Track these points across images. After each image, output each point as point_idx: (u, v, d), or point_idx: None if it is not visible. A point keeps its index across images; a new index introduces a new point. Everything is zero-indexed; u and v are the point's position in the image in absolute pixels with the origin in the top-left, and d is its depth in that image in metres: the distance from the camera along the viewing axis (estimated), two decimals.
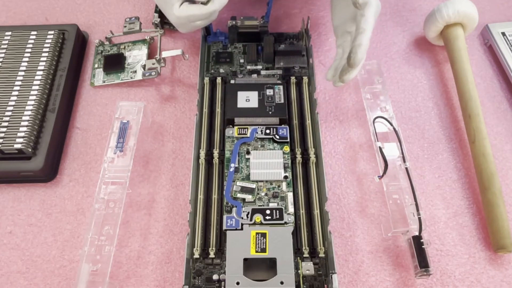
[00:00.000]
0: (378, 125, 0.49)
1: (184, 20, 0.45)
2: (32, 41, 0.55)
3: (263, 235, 0.42)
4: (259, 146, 0.48)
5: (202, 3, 0.43)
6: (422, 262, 0.41)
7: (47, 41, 0.55)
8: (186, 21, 0.45)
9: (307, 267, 0.41)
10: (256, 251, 0.41)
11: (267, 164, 0.46)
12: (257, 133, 0.48)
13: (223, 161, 0.47)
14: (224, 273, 0.41)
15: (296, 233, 0.43)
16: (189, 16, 0.44)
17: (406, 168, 0.46)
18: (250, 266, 0.40)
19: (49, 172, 0.49)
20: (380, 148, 0.47)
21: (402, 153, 0.47)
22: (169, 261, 0.45)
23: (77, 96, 0.56)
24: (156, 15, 0.58)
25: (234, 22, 0.55)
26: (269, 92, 0.51)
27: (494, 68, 0.58)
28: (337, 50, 0.48)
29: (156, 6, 0.59)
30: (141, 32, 0.58)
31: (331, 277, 0.39)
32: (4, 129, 0.48)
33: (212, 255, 0.42)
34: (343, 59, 0.46)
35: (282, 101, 0.50)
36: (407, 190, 0.45)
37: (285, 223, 0.43)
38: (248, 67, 0.55)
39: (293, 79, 0.53)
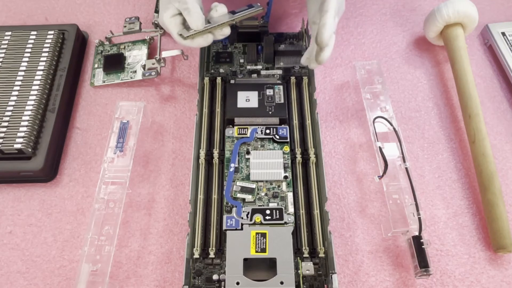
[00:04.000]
0: (378, 125, 0.49)
1: (165, 28, 0.46)
2: (32, 41, 0.55)
3: (263, 235, 0.42)
4: (259, 146, 0.48)
5: (180, 34, 0.44)
6: (422, 262, 0.41)
7: (47, 41, 0.55)
8: (167, 30, 0.46)
9: (307, 267, 0.41)
10: (256, 251, 0.41)
11: (267, 164, 0.46)
12: (257, 133, 0.48)
13: (223, 161, 0.47)
14: (224, 273, 0.41)
15: (296, 233, 0.43)
16: (168, 30, 0.46)
17: (406, 168, 0.46)
18: (250, 266, 0.40)
19: (49, 172, 0.49)
20: (380, 148, 0.47)
21: (402, 153, 0.47)
22: (169, 261, 0.45)
23: (77, 96, 0.56)
24: (156, 15, 0.58)
25: (234, 22, 0.55)
26: (269, 92, 0.51)
27: (494, 68, 0.58)
28: (312, 38, 0.49)
29: (156, 6, 0.59)
30: (141, 32, 0.58)
31: (331, 277, 0.39)
32: (4, 129, 0.48)
33: (212, 255, 0.42)
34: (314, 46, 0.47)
35: (282, 101, 0.50)
36: (407, 190, 0.45)
37: (285, 223, 0.43)
38: (248, 67, 0.55)
39: (293, 79, 0.53)
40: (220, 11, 0.45)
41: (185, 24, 0.45)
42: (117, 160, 0.47)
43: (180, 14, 0.44)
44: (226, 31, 0.46)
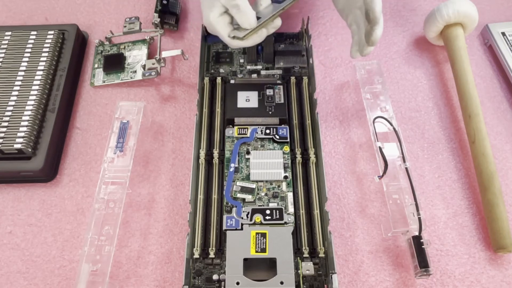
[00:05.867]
0: (378, 125, 0.49)
1: (212, 30, 0.44)
2: (32, 41, 0.55)
3: (263, 235, 0.42)
4: (259, 146, 0.48)
5: (236, 37, 0.41)
6: (422, 262, 0.41)
7: (47, 41, 0.55)
8: (213, 31, 0.44)
9: (307, 267, 0.41)
10: (256, 251, 0.41)
11: (267, 164, 0.46)
12: (257, 133, 0.48)
13: (223, 161, 0.47)
14: (224, 273, 0.41)
15: (296, 233, 0.43)
16: (216, 32, 0.44)
17: (406, 168, 0.46)
18: (250, 266, 0.40)
19: (49, 172, 0.49)
20: (380, 148, 0.47)
21: (402, 153, 0.47)
22: (169, 261, 0.45)
23: (77, 96, 0.56)
24: (156, 15, 0.58)
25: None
26: (269, 92, 0.51)
27: (494, 68, 0.58)
28: (351, 28, 0.47)
29: (156, 6, 0.59)
30: (141, 32, 0.58)
31: (331, 277, 0.39)
32: (4, 129, 0.48)
33: (212, 255, 0.42)
34: (361, 33, 0.45)
35: (282, 101, 0.50)
36: (407, 190, 0.45)
37: (285, 223, 0.43)
38: (248, 67, 0.55)
39: (293, 79, 0.53)
40: (264, 3, 0.42)
41: (232, 23, 0.41)
42: (117, 160, 0.47)
43: (227, 11, 0.41)
44: (278, 22, 0.43)
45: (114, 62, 0.57)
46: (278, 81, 0.53)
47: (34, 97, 0.50)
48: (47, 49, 0.54)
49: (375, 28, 0.42)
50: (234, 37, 0.41)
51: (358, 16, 0.45)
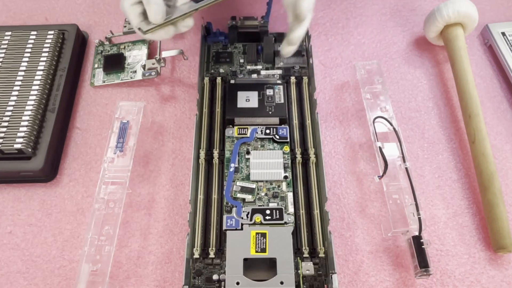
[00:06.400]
0: (378, 125, 0.49)
1: (126, 17, 0.43)
2: (32, 41, 0.55)
3: (263, 235, 0.42)
4: (259, 146, 0.48)
5: (139, 28, 0.41)
6: (422, 262, 0.41)
7: (47, 41, 0.55)
8: (125, 14, 0.43)
9: (307, 267, 0.41)
10: (256, 251, 0.41)
11: (267, 164, 0.46)
12: (257, 133, 0.48)
13: (223, 161, 0.47)
14: (224, 273, 0.41)
15: (296, 233, 0.43)
16: (128, 20, 0.43)
17: (406, 168, 0.46)
18: (250, 266, 0.40)
19: (49, 172, 0.49)
20: (380, 148, 0.47)
21: (402, 153, 0.47)
22: (169, 261, 0.45)
23: (77, 96, 0.56)
24: None
25: (234, 22, 0.55)
26: (269, 92, 0.51)
27: (494, 68, 0.58)
28: (288, 26, 0.45)
29: None
30: None
31: (331, 277, 0.39)
32: (4, 129, 0.48)
33: (212, 255, 0.42)
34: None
35: (282, 101, 0.50)
36: (407, 190, 0.45)
37: (285, 223, 0.43)
38: (248, 67, 0.55)
39: (293, 79, 0.53)
40: (181, 0, 0.41)
41: (145, 14, 0.41)
42: (117, 160, 0.47)
43: (141, 2, 0.40)
44: (189, 22, 0.42)
45: (114, 62, 0.57)
46: (278, 81, 0.53)
47: (34, 97, 0.50)
48: (47, 49, 0.54)
49: (297, 27, 0.41)
50: (139, 29, 0.41)
51: (290, 14, 0.44)
